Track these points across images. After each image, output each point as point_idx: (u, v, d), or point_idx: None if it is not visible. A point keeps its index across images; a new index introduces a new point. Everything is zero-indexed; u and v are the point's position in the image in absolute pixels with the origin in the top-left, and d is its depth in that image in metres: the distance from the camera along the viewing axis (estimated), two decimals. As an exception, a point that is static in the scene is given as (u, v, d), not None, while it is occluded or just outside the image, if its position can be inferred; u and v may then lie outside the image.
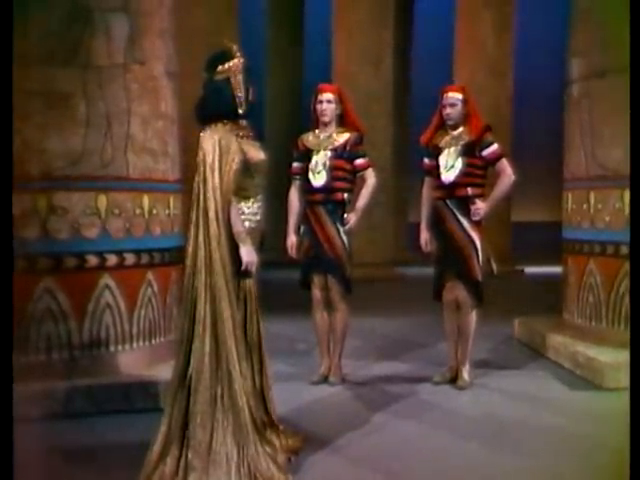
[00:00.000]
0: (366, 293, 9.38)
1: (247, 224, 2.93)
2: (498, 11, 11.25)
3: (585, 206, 4.97)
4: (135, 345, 4.19)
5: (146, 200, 4.25)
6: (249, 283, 2.96)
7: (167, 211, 4.44)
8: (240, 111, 2.98)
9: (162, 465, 2.73)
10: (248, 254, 2.89)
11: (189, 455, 2.72)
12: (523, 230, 8.69)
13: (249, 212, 2.97)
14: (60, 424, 3.53)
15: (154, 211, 4.32)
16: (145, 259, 4.26)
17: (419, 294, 9.50)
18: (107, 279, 4.08)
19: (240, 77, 2.97)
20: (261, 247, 3.06)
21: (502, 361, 5.13)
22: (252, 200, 2.99)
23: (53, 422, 3.48)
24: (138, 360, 4.17)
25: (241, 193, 2.93)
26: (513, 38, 11.56)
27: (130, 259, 4.17)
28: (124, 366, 4.09)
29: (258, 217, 3.00)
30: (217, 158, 2.84)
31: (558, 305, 5.54)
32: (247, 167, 2.93)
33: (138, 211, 4.22)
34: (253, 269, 2.91)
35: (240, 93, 2.97)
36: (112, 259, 4.09)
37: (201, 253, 2.82)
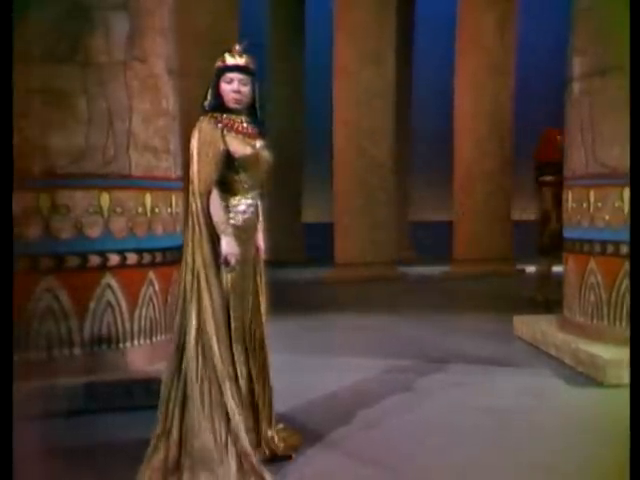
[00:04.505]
0: (369, 292, 9.41)
1: (232, 222, 2.91)
2: (500, 9, 11.23)
3: (585, 205, 4.97)
4: (136, 343, 4.20)
5: (148, 198, 4.26)
6: (233, 276, 2.90)
7: (169, 210, 4.44)
8: (231, 106, 2.96)
9: (164, 449, 2.77)
10: (227, 245, 2.85)
11: (185, 439, 2.77)
12: (524, 229, 8.72)
13: (235, 209, 2.95)
14: (62, 422, 3.54)
15: (156, 210, 4.32)
16: (147, 259, 4.26)
17: (421, 292, 9.58)
18: (109, 279, 4.09)
19: (230, 75, 2.96)
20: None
21: (504, 358, 5.14)
22: (239, 197, 2.97)
23: (55, 420, 3.49)
24: (139, 358, 4.18)
25: (224, 187, 2.92)
26: (515, 36, 11.54)
27: (132, 259, 4.18)
28: (125, 364, 4.10)
29: (247, 215, 2.97)
30: (196, 148, 2.88)
31: (559, 303, 5.54)
32: (231, 161, 2.91)
33: (140, 210, 4.22)
34: (233, 261, 2.86)
35: (227, 92, 2.96)
36: (114, 259, 4.10)
37: (190, 245, 2.86)
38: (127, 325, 4.15)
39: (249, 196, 2.99)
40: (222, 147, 2.90)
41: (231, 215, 2.93)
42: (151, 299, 4.28)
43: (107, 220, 4.09)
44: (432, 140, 19.55)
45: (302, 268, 12.93)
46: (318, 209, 19.36)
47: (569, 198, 5.24)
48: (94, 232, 4.05)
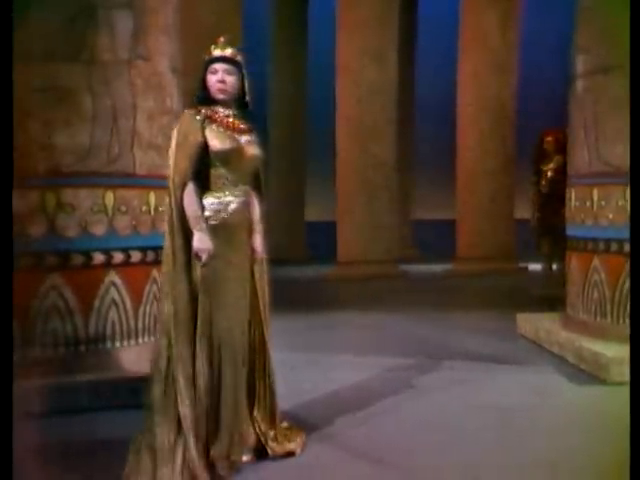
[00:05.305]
0: (371, 290, 9.42)
1: (210, 220, 2.86)
2: (503, 7, 11.23)
3: (588, 203, 4.97)
4: (140, 340, 4.21)
5: (152, 197, 4.27)
6: (204, 272, 2.84)
7: (172, 208, 4.45)
8: (217, 97, 2.95)
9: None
10: (199, 241, 2.81)
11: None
12: (527, 227, 8.79)
13: (212, 206, 2.88)
14: (66, 419, 3.55)
15: (160, 208, 4.32)
16: (151, 256, 4.27)
17: (423, 290, 9.58)
18: (113, 276, 4.10)
19: (215, 66, 2.95)
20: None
21: (507, 356, 5.14)
22: (219, 193, 2.90)
23: (59, 417, 3.50)
24: (143, 355, 4.18)
25: (205, 182, 2.88)
26: (518, 34, 11.54)
27: (136, 256, 4.19)
28: (130, 361, 4.11)
29: (225, 214, 2.89)
30: (174, 139, 2.87)
31: (562, 301, 5.55)
32: (210, 155, 2.87)
33: (144, 208, 4.23)
34: (204, 257, 2.81)
35: (212, 82, 2.95)
36: (118, 256, 4.12)
37: (167, 240, 2.85)
38: (131, 322, 4.17)
39: (229, 193, 2.92)
40: (200, 139, 2.86)
41: (207, 213, 2.86)
42: (155, 297, 4.29)
43: (111, 218, 4.10)
44: (434, 138, 19.56)
45: (304, 266, 12.95)
46: (320, 207, 19.38)
47: (572, 197, 5.24)
48: (99, 230, 4.07)
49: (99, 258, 4.06)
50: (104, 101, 4.08)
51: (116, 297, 4.11)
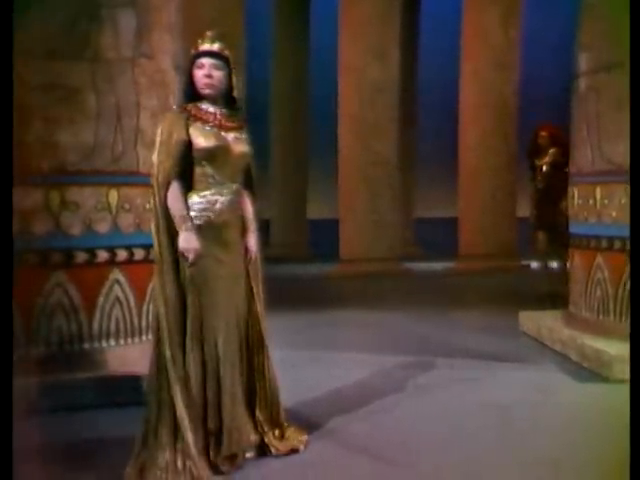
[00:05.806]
0: (373, 288, 9.43)
1: (197, 222, 2.82)
2: (505, 4, 11.22)
3: (591, 201, 4.98)
4: (144, 338, 4.22)
5: (155, 195, 4.29)
6: (193, 272, 2.81)
7: (175, 206, 4.46)
8: (204, 93, 2.91)
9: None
10: (184, 241, 2.77)
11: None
12: (528, 224, 8.83)
13: (197, 206, 2.85)
14: (69, 417, 3.57)
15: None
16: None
17: (425, 288, 9.59)
18: (117, 274, 4.12)
19: (201, 60, 2.91)
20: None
21: (509, 353, 5.15)
22: (204, 192, 2.86)
23: (63, 415, 3.52)
24: (147, 353, 4.19)
25: (191, 181, 2.84)
26: (520, 32, 11.53)
27: (139, 254, 4.20)
28: (133, 359, 4.12)
29: (210, 214, 2.85)
30: (158, 137, 2.83)
31: (565, 299, 5.55)
32: (195, 154, 2.84)
33: (148, 206, 4.24)
34: (190, 257, 2.78)
35: (199, 77, 2.91)
36: (122, 254, 4.13)
37: (155, 239, 2.84)
38: (135, 320, 4.18)
39: (216, 192, 2.87)
40: (184, 137, 2.82)
41: (192, 213, 2.83)
42: (159, 295, 4.30)
43: (115, 216, 4.12)
44: (436, 136, 19.54)
45: (306, 264, 12.95)
46: (323, 205, 19.37)
47: (575, 195, 5.24)
48: (102, 228, 4.08)
49: (103, 256, 4.07)
50: (108, 99, 4.09)
51: (120, 295, 4.12)
